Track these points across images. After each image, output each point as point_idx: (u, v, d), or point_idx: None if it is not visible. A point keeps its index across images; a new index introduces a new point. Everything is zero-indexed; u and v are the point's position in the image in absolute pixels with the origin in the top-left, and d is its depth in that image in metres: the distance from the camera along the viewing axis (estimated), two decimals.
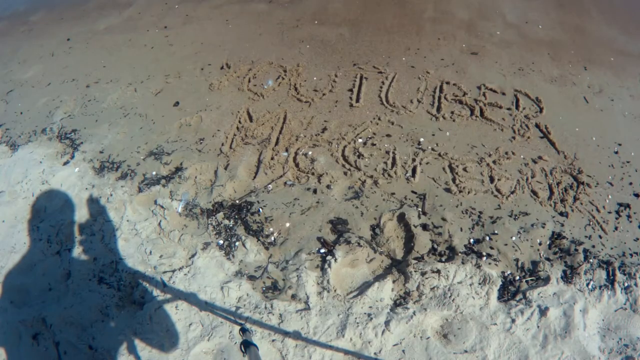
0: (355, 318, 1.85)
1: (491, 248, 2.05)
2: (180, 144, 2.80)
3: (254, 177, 2.51)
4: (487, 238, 2.09)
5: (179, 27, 4.15)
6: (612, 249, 2.04)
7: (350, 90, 3.06)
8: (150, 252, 2.21)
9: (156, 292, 2.03)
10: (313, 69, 3.30)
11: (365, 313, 1.87)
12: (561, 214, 2.19)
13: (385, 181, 2.40)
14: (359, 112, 2.87)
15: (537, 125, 2.69)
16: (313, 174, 2.48)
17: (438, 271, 1.95)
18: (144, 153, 2.76)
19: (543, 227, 2.12)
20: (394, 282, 1.97)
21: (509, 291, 1.92)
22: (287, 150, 2.64)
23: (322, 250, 2.11)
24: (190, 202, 2.42)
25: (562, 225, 2.14)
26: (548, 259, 2.01)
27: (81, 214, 2.44)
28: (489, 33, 3.59)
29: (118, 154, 2.79)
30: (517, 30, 3.64)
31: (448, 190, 2.33)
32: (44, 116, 3.25)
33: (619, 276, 1.92)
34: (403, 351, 1.77)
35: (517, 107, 2.84)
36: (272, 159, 2.60)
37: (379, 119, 2.78)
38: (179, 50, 3.77)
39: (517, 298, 1.88)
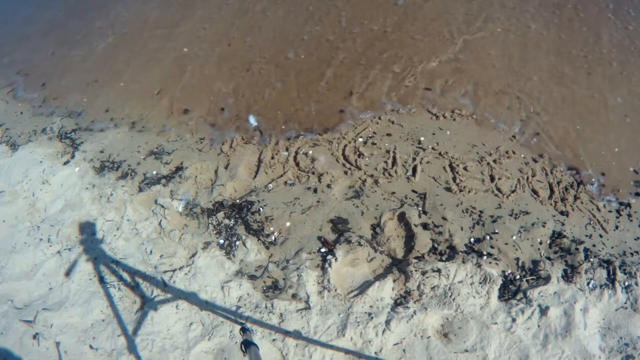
0: (356, 317, 1.85)
1: (492, 247, 2.05)
2: (181, 143, 2.80)
3: (255, 176, 2.51)
4: (488, 237, 2.09)
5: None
6: (612, 248, 2.04)
7: None
8: (151, 252, 2.21)
9: (157, 292, 2.03)
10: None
11: (365, 312, 1.86)
12: (562, 213, 2.19)
13: (386, 180, 2.39)
14: None
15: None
16: (313, 173, 2.48)
17: (438, 270, 1.95)
18: (144, 152, 2.76)
19: (544, 226, 2.11)
20: (394, 281, 1.97)
21: (509, 290, 1.92)
22: (287, 150, 2.64)
23: (323, 250, 2.11)
24: (191, 201, 2.42)
25: (563, 224, 2.14)
26: (549, 258, 2.01)
27: (81, 214, 2.44)
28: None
29: (118, 153, 2.79)
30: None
31: (448, 189, 2.33)
32: (44, 116, 3.25)
33: (620, 275, 1.92)
34: (404, 350, 1.77)
35: None
36: (272, 158, 2.59)
37: (380, 118, 2.78)
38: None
39: (518, 297, 1.88)
